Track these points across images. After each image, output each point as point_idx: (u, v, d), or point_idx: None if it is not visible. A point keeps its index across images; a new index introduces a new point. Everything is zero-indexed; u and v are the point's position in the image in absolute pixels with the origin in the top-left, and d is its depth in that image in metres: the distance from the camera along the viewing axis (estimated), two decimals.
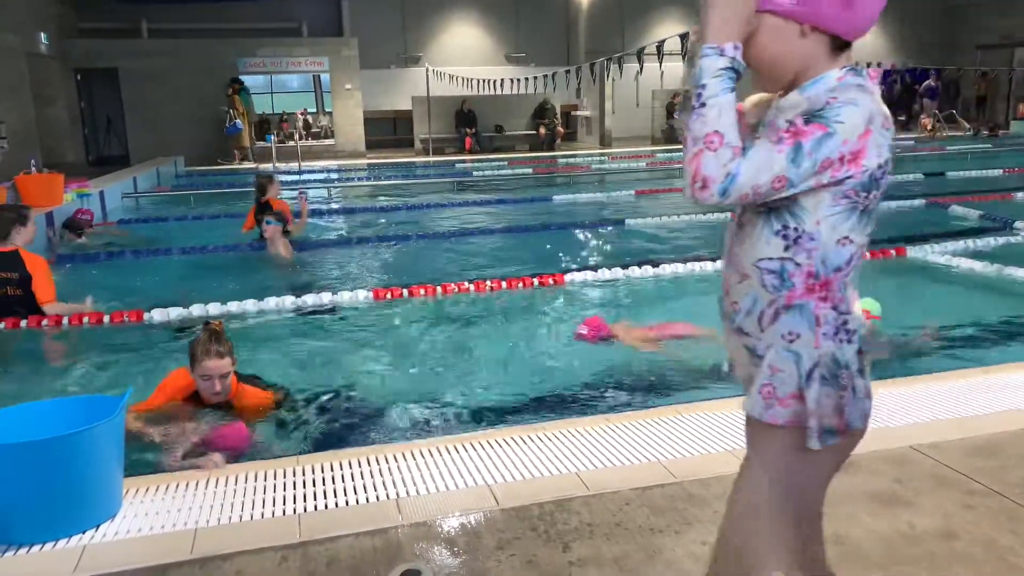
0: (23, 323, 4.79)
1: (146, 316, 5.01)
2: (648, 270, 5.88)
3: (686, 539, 2.19)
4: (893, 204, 9.09)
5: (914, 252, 6.36)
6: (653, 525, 2.27)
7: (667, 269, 5.89)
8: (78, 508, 2.25)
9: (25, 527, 2.18)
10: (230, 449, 2.91)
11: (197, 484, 2.55)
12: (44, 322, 4.84)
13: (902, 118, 21.48)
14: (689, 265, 5.94)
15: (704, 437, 2.84)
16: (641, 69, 11.34)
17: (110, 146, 18.75)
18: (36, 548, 2.18)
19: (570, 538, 2.21)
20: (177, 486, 2.54)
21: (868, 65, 23.30)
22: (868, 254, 6.15)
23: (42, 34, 15.82)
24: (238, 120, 16.08)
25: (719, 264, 5.30)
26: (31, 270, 4.82)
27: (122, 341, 4.74)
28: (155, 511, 2.38)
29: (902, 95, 21.89)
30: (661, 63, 11.30)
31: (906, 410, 3.05)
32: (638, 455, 2.71)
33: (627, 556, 2.11)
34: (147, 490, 2.52)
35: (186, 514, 2.36)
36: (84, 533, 2.25)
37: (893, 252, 6.37)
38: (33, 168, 9.00)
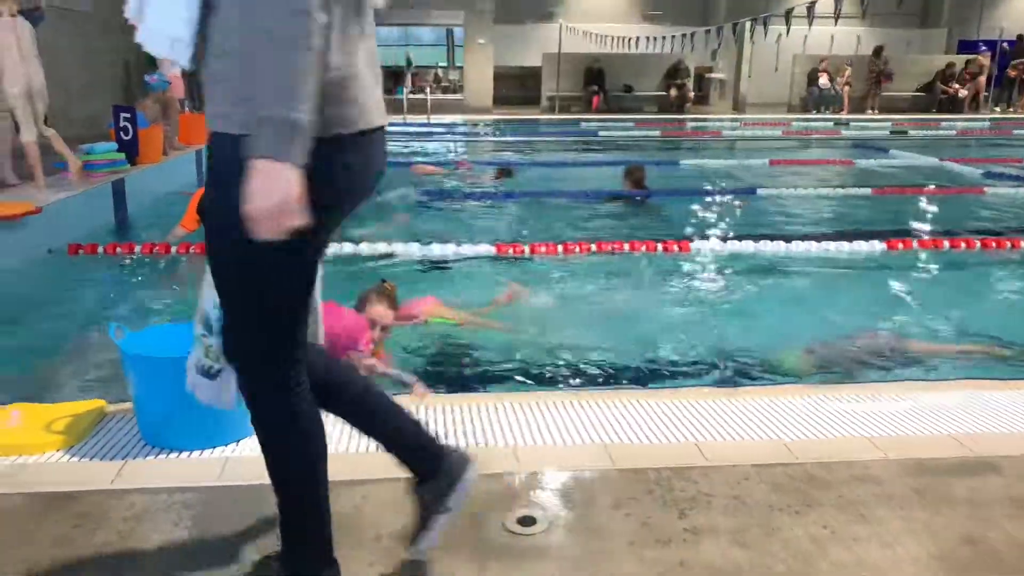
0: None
1: None
2: (780, 245, 5.67)
3: (806, 520, 2.13)
4: None
5: None
6: (772, 503, 2.22)
7: (799, 246, 5.66)
8: (222, 422, 2.42)
9: (178, 435, 2.38)
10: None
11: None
12: None
13: None
14: (824, 244, 5.69)
15: (829, 420, 2.74)
16: (788, 31, 10.81)
17: None
18: (185, 455, 2.37)
19: (686, 506, 2.19)
20: None
21: None
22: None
23: None
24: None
25: (858, 244, 5.04)
26: None
27: None
28: None
29: None
30: (810, 25, 10.70)
31: None
32: (758, 431, 2.65)
33: (744, 530, 2.08)
34: None
35: None
36: (227, 446, 2.42)
37: None
38: (187, 108, 9.59)
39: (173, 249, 5.13)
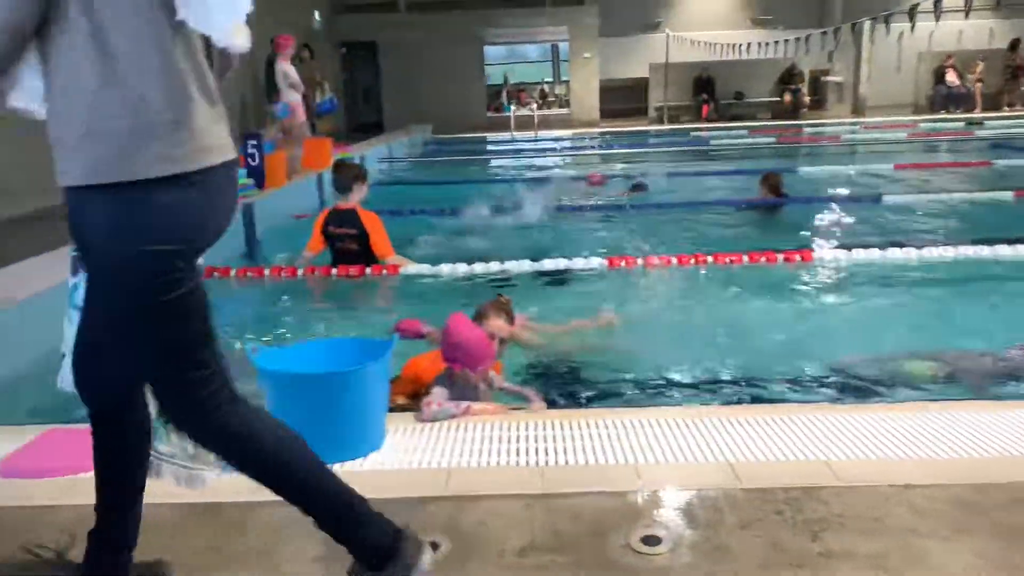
0: (367, 269, 5.29)
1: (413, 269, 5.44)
2: (911, 252, 5.37)
3: (956, 546, 1.99)
4: None
5: None
6: (916, 527, 2.09)
7: (933, 252, 5.34)
8: (352, 438, 2.50)
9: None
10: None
11: (449, 428, 2.74)
12: (383, 271, 5.33)
13: None
14: (961, 249, 5.34)
15: (977, 437, 2.55)
16: (913, 28, 10.22)
17: (367, 114, 20.44)
18: None
19: (819, 528, 2.10)
20: (433, 427, 2.75)
21: None
22: None
23: (316, 12, 17.50)
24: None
25: (1001, 250, 4.66)
26: (368, 228, 5.26)
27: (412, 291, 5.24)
28: (413, 448, 2.59)
29: None
30: (938, 20, 10.07)
31: None
32: (896, 450, 2.50)
33: (885, 555, 1.97)
34: (405, 429, 2.74)
35: (440, 454, 2.55)
36: (355, 461, 2.51)
37: None
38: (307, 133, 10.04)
39: (299, 272, 5.38)
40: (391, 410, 2.76)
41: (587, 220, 7.61)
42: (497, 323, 3.29)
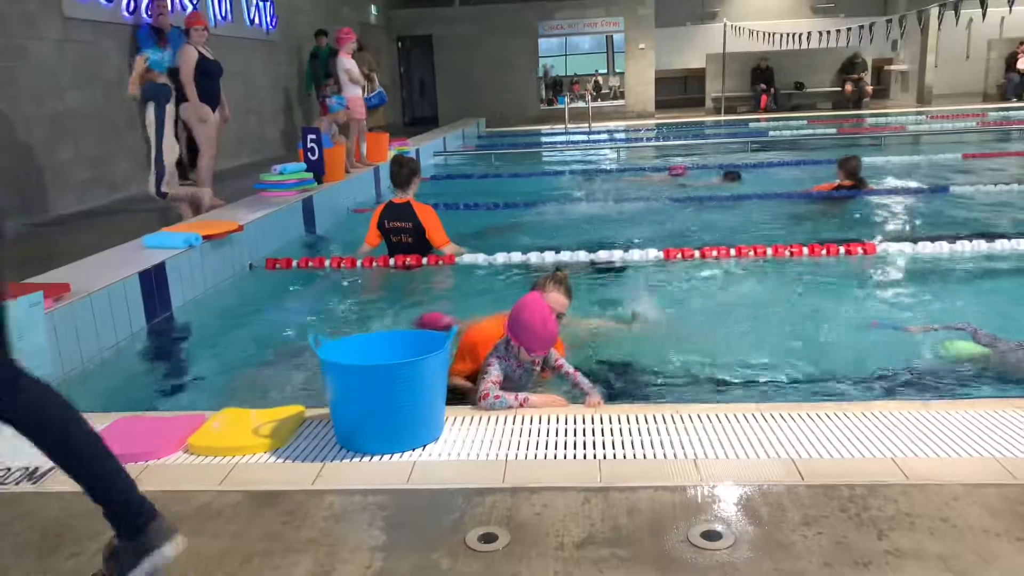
0: (424, 260, 5.37)
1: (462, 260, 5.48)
2: (980, 245, 5.18)
3: None
4: None
5: None
6: (988, 527, 2.02)
7: (1005, 245, 5.14)
8: (411, 428, 2.53)
9: (371, 440, 2.51)
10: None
11: (507, 419, 2.75)
12: (439, 261, 5.40)
13: None
14: None
15: None
16: (984, 14, 9.82)
17: (422, 107, 20.59)
18: (377, 458, 2.51)
19: (886, 526, 2.05)
20: (491, 418, 2.76)
21: None
22: None
23: (372, 6, 17.70)
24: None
25: None
26: (424, 221, 5.35)
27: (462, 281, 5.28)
28: (471, 439, 2.61)
29: None
30: (1011, 7, 9.63)
31: None
32: (966, 447, 2.43)
33: (956, 556, 1.91)
34: (463, 420, 2.77)
35: (497, 446, 2.56)
36: (414, 451, 2.54)
37: None
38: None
39: (358, 263, 5.46)
40: (449, 390, 2.77)
41: (648, 211, 7.52)
42: (555, 296, 3.22)
